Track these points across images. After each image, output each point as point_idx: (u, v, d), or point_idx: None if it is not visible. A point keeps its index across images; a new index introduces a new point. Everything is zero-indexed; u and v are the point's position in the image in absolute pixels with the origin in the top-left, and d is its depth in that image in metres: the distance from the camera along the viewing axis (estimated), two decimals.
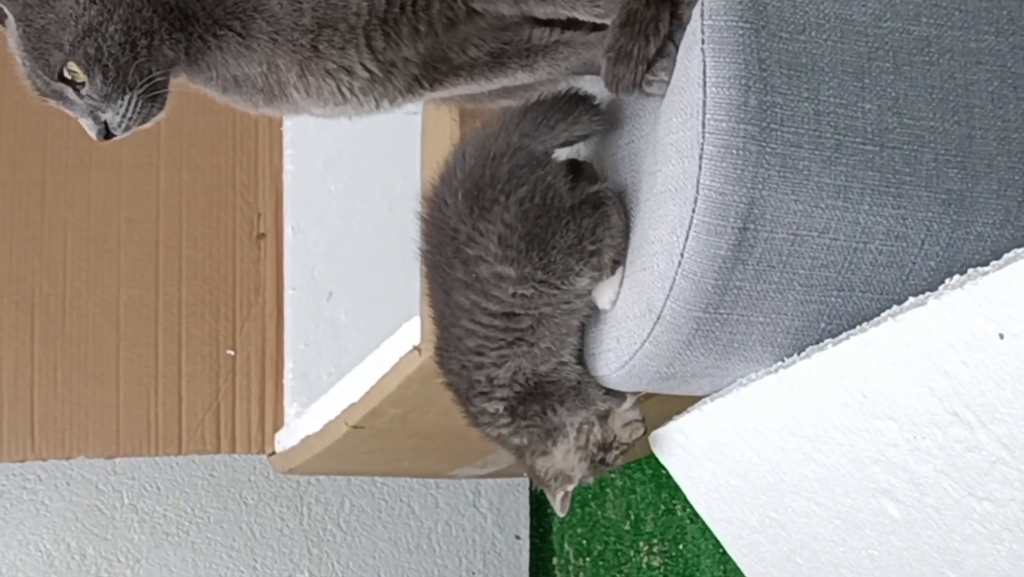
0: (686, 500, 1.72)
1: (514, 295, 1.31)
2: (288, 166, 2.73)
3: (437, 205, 1.36)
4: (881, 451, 1.29)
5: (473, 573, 3.01)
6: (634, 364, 1.36)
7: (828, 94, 1.24)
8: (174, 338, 2.63)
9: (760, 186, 1.21)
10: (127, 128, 1.33)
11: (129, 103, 1.31)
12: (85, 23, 1.26)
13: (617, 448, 1.45)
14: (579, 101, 1.39)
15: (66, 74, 1.29)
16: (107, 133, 1.34)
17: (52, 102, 1.34)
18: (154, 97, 1.32)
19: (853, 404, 1.29)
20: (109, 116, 1.32)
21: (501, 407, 1.40)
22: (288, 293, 2.68)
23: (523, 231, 1.29)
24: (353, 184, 2.69)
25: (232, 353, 2.65)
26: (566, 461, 1.43)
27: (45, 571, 2.73)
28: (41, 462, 2.67)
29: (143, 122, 1.34)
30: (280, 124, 2.76)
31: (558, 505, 1.48)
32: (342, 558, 2.92)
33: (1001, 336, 1.08)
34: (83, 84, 1.29)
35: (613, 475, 2.71)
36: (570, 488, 1.46)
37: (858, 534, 1.40)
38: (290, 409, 2.56)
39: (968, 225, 1.30)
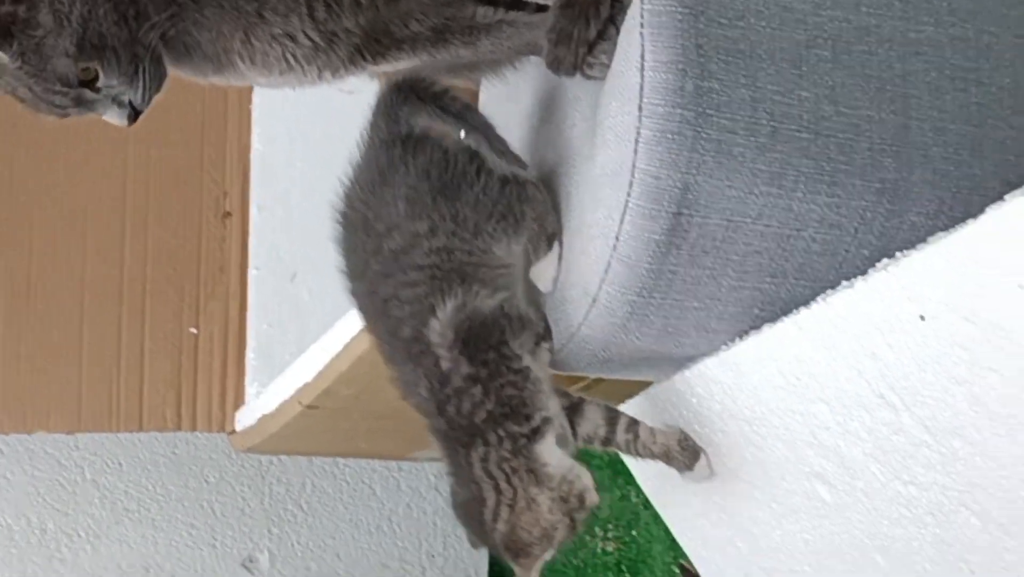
0: (640, 486, 1.73)
1: (430, 251, 1.30)
2: (256, 145, 2.73)
3: (347, 199, 1.37)
4: (814, 434, 1.31)
5: (433, 556, 3.02)
6: (572, 347, 1.37)
7: (765, 81, 1.25)
8: (137, 315, 2.63)
9: (695, 171, 1.22)
10: (149, 100, 1.35)
11: (145, 74, 1.33)
12: (78, 19, 1.28)
13: (585, 511, 1.33)
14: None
15: (81, 76, 1.31)
16: (134, 114, 1.35)
17: (73, 112, 1.35)
18: (158, 60, 1.35)
19: (787, 387, 1.31)
20: (131, 95, 1.34)
21: (460, 379, 1.30)
22: (252, 272, 2.68)
23: (428, 187, 1.30)
24: (320, 165, 2.69)
25: (195, 331, 2.65)
26: (551, 516, 1.30)
27: (5, 545, 2.73)
28: (3, 436, 2.68)
29: (158, 89, 1.36)
30: (249, 102, 2.76)
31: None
32: (302, 538, 2.93)
33: (922, 318, 1.09)
34: (96, 79, 1.31)
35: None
36: (548, 556, 1.32)
37: (793, 518, 1.42)
38: (251, 389, 2.57)
39: (902, 215, 1.31)
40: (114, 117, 1.37)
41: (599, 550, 2.67)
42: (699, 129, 1.22)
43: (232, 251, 2.70)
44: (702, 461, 1.43)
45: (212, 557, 2.85)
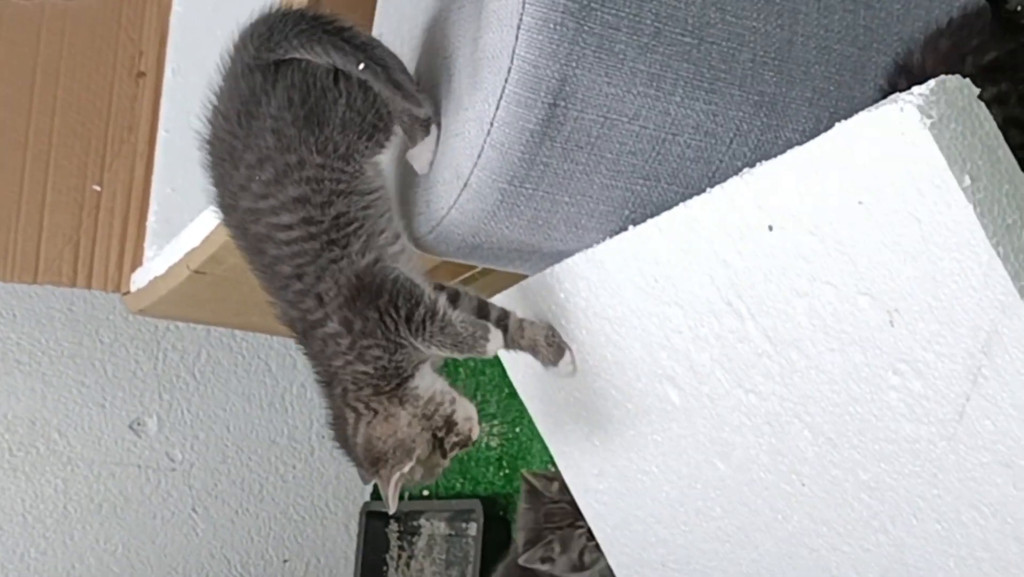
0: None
1: (300, 180, 1.26)
2: (176, 7, 2.68)
3: (212, 127, 1.34)
4: (668, 337, 1.33)
5: (323, 436, 3.04)
6: (441, 230, 1.37)
7: None
8: (41, 166, 2.60)
9: (574, 64, 1.22)
10: None
11: None
12: None
13: (457, 436, 1.35)
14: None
15: None
16: None
17: None
18: None
19: (646, 288, 1.32)
20: None
21: (336, 320, 1.29)
22: (161, 135, 2.64)
23: (292, 117, 1.26)
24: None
25: (98, 189, 2.62)
26: (410, 429, 1.32)
27: None
28: None
29: None
30: None
31: (392, 491, 1.33)
32: (192, 407, 2.93)
33: (770, 228, 1.11)
34: None
35: None
36: (406, 468, 1.31)
37: (646, 419, 1.44)
38: (149, 251, 2.55)
39: (778, 129, 1.32)
40: None
41: (483, 445, 2.70)
42: (582, 22, 1.21)
43: (143, 112, 2.67)
44: (567, 358, 1.45)
45: (100, 417, 2.85)
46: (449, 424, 1.34)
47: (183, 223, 2.45)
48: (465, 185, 1.30)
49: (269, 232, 1.29)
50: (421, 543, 2.92)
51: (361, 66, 1.28)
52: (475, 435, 1.37)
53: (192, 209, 2.52)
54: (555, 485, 1.92)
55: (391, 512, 1.36)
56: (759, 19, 1.28)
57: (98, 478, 2.85)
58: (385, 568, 3.00)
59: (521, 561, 1.92)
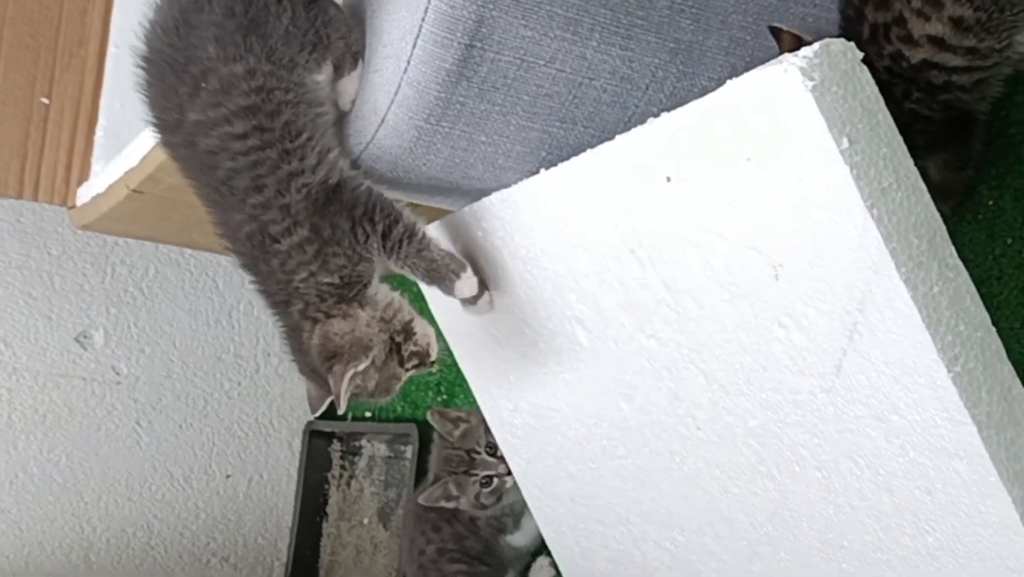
0: None
1: (249, 91, 1.26)
2: None
3: (148, 42, 1.35)
4: (576, 280, 1.35)
5: (269, 354, 3.05)
6: (359, 164, 1.38)
7: None
8: None
9: (491, 6, 1.23)
10: None
11: None
12: None
13: (415, 345, 1.37)
14: None
15: None
16: None
17: None
18: None
19: (557, 231, 1.34)
20: None
21: (307, 228, 1.30)
22: (111, 50, 2.62)
23: (235, 26, 1.26)
24: None
25: (47, 102, 2.61)
26: (368, 328, 1.33)
27: None
28: None
29: None
30: None
31: (344, 387, 1.30)
32: (139, 321, 2.94)
33: (668, 179, 1.13)
34: None
35: None
36: (361, 366, 1.31)
37: (556, 358, 1.47)
38: (96, 166, 2.54)
39: (693, 77, 1.34)
40: None
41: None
42: None
43: (93, 25, 2.64)
44: (485, 298, 1.47)
45: (46, 328, 2.86)
46: (408, 331, 1.36)
47: (131, 139, 2.44)
48: (382, 121, 1.31)
49: (223, 143, 1.29)
50: (362, 463, 2.96)
51: None
52: (433, 352, 1.39)
53: (139, 125, 2.51)
54: (459, 430, 1.94)
55: (341, 411, 1.37)
56: None
57: (43, 389, 2.86)
58: (327, 486, 3.04)
59: (420, 500, 1.94)
